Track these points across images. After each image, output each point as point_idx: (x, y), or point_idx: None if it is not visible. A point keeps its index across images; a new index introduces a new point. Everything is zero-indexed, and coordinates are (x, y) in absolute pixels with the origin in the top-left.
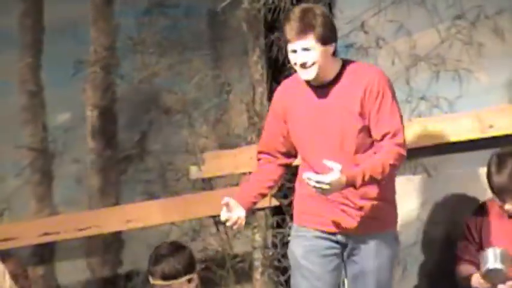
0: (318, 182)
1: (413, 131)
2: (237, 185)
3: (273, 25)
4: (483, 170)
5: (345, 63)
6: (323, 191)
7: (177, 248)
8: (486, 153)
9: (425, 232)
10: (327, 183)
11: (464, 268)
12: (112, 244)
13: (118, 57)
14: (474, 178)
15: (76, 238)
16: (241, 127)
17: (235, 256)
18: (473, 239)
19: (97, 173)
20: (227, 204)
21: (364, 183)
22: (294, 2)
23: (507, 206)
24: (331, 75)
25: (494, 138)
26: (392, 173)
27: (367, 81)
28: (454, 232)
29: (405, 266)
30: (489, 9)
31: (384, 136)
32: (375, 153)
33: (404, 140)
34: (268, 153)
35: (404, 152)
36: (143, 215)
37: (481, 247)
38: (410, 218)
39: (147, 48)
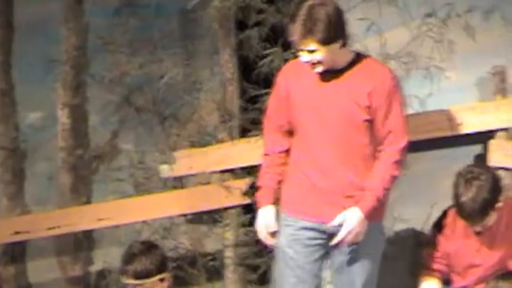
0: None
1: None
2: (207, 183)
3: (243, 23)
4: (455, 167)
5: (359, 56)
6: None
7: (149, 247)
8: (457, 151)
9: (397, 229)
10: (349, 232)
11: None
12: (83, 243)
13: (89, 56)
14: (445, 175)
15: (47, 237)
16: (212, 126)
17: (207, 254)
18: (439, 247)
19: (68, 171)
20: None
21: (380, 199)
22: (266, 0)
23: (477, 228)
24: (340, 65)
25: (465, 135)
26: (396, 178)
27: (380, 78)
28: (425, 229)
29: None
30: (460, 7)
31: (387, 135)
32: (375, 154)
33: (406, 144)
34: (273, 128)
35: (405, 158)
36: (115, 214)
37: (447, 256)
38: None
39: (118, 47)
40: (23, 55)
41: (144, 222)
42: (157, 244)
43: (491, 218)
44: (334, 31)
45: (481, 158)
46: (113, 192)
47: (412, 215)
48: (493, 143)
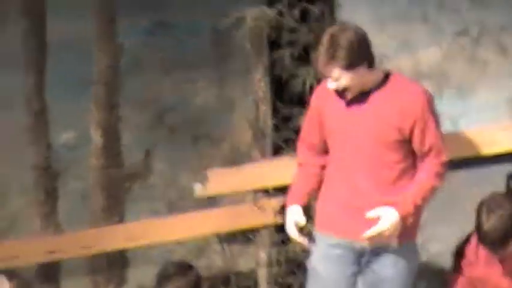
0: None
1: None
2: (240, 203)
3: (276, 43)
4: (488, 187)
5: (389, 75)
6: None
7: (184, 267)
8: (489, 171)
9: (430, 248)
10: (383, 229)
11: None
12: (116, 262)
13: (122, 76)
14: (478, 196)
15: (80, 256)
16: (245, 145)
17: (240, 273)
18: (463, 273)
19: (101, 191)
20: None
21: (418, 206)
22: (298, 20)
23: (498, 256)
24: (369, 86)
25: (497, 155)
26: (436, 190)
27: (411, 97)
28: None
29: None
30: (492, 25)
31: (427, 152)
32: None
33: (447, 159)
34: (306, 148)
35: (446, 171)
36: (147, 233)
37: (472, 281)
38: None
39: (151, 67)
40: (57, 74)
41: (177, 241)
42: (192, 264)
43: (510, 248)
44: (357, 55)
45: None
46: (145, 212)
47: (443, 235)
48: None
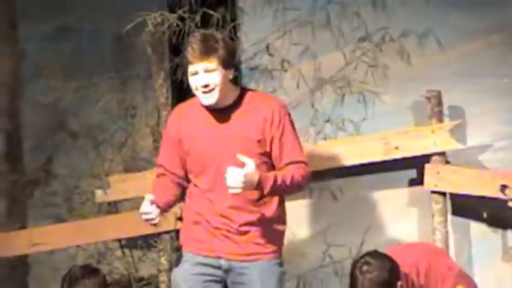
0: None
1: (319, 154)
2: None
3: (177, 48)
4: (389, 192)
5: (244, 91)
6: (236, 188)
7: (91, 271)
8: (392, 175)
9: (331, 255)
10: (244, 175)
11: None
12: (18, 268)
13: (23, 81)
14: (380, 200)
15: None
16: (147, 150)
17: (141, 279)
18: None
19: (3, 196)
20: (151, 200)
21: (273, 190)
22: (199, 25)
23: None
24: (229, 101)
25: (399, 160)
26: (294, 191)
27: (269, 110)
28: (359, 255)
29: None
30: (394, 32)
31: (288, 165)
32: None
33: (308, 172)
34: (165, 175)
35: (306, 183)
36: (49, 239)
37: None
38: (316, 240)
39: (52, 72)
40: None
41: (78, 246)
42: (98, 268)
43: None
44: (232, 56)
45: (416, 182)
46: (47, 217)
47: (347, 240)
48: (428, 167)
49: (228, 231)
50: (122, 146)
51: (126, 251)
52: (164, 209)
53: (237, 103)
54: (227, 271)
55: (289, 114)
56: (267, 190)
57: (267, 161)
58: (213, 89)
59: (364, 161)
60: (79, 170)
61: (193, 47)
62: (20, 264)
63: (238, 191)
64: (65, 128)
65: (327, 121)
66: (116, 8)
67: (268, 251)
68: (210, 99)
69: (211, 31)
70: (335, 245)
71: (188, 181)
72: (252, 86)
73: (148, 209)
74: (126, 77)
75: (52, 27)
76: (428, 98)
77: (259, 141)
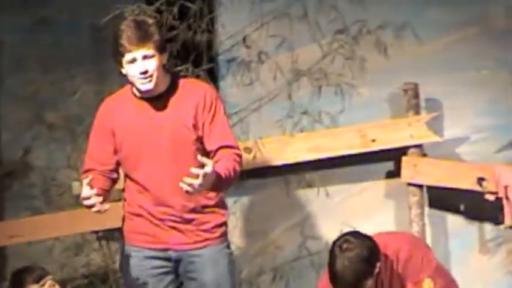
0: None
1: (295, 146)
2: (119, 200)
3: None
4: (366, 185)
5: (175, 77)
6: (195, 189)
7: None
8: (369, 168)
9: (308, 247)
10: (202, 176)
11: None
12: None
13: (2, 73)
14: (357, 193)
15: None
16: None
17: (118, 271)
18: None
19: None
20: (90, 183)
21: (223, 186)
22: (176, 17)
23: None
24: (163, 88)
25: (377, 152)
26: (234, 182)
27: (200, 95)
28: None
29: (288, 281)
30: (371, 24)
31: (219, 148)
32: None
33: (240, 152)
34: (94, 170)
35: (241, 164)
36: (27, 231)
37: None
38: (293, 232)
39: (31, 64)
40: None
41: (56, 239)
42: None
43: (369, 285)
44: (164, 40)
45: (393, 175)
46: (25, 209)
47: (323, 232)
48: (405, 160)
49: (173, 221)
50: None
51: (103, 242)
52: (103, 195)
53: (170, 90)
54: (177, 261)
55: (219, 97)
56: (221, 189)
57: (201, 146)
58: (151, 75)
59: (341, 153)
60: (56, 162)
61: (128, 34)
62: None
63: (197, 192)
64: (42, 120)
65: (304, 113)
66: (95, 0)
67: (215, 236)
68: (149, 84)
69: (142, 17)
70: (312, 238)
71: (118, 173)
72: (229, 78)
73: (88, 192)
74: (104, 70)
75: (31, 19)
76: (405, 91)
77: (193, 126)
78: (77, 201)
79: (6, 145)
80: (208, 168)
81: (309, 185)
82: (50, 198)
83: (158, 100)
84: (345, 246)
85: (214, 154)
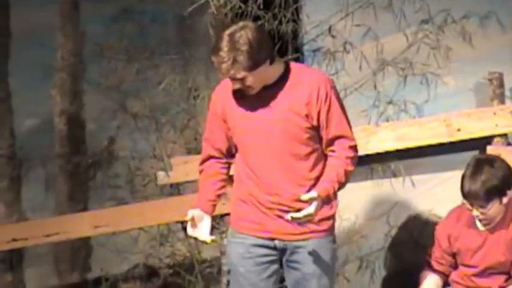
0: (305, 216)
1: (380, 136)
2: None
3: None
4: (451, 174)
5: (289, 66)
6: (304, 221)
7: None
8: (454, 157)
9: (394, 236)
10: (313, 213)
11: (425, 274)
12: (80, 250)
13: (85, 63)
14: (442, 182)
15: (45, 244)
16: None
17: (204, 261)
18: (441, 245)
19: (65, 178)
20: (192, 219)
21: (334, 196)
22: (261, 7)
23: (474, 213)
24: (273, 79)
25: (461, 142)
26: (347, 181)
27: (314, 84)
28: (422, 236)
29: (373, 270)
30: (456, 14)
31: (335, 139)
32: (325, 157)
33: (355, 143)
34: (211, 157)
35: (357, 155)
36: (111, 221)
37: (451, 254)
38: (378, 222)
39: (115, 54)
40: (20, 62)
41: (141, 229)
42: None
43: (494, 207)
44: (258, 55)
45: None
46: (110, 199)
47: (409, 222)
48: (490, 149)
49: (281, 210)
50: (184, 128)
51: None
52: (213, 209)
53: (283, 79)
54: (282, 250)
55: (334, 86)
56: (330, 195)
57: (314, 134)
58: (248, 87)
59: (426, 142)
60: (141, 152)
61: (218, 58)
62: (83, 247)
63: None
64: (126, 110)
65: (389, 103)
66: None
67: (322, 229)
68: (250, 92)
69: (236, 32)
70: (397, 227)
71: (233, 157)
72: (314, 67)
73: (194, 233)
74: (188, 59)
75: (114, 9)
76: (490, 80)
77: (306, 115)
78: (162, 191)
79: (91, 135)
80: (316, 203)
81: (394, 175)
82: (134, 188)
83: (270, 87)
84: (483, 158)
85: (329, 145)
